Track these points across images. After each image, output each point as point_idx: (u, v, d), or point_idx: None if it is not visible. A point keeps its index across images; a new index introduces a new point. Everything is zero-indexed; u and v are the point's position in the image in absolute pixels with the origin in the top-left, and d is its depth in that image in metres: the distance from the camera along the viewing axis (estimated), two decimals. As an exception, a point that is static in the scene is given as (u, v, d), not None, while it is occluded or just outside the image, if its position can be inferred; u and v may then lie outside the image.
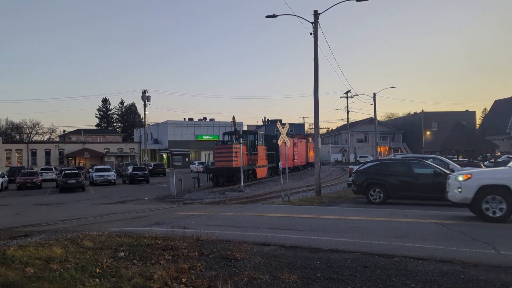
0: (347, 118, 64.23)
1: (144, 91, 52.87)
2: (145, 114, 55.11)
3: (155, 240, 7.80)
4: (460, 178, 10.30)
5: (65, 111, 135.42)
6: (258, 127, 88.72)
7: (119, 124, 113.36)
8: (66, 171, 33.86)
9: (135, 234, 8.70)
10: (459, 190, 10.22)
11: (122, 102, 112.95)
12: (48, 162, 62.94)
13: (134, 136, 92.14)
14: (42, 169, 47.23)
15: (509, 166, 11.39)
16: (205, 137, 76.78)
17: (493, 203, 9.72)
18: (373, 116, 50.73)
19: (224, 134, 33.91)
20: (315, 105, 19.65)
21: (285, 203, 16.72)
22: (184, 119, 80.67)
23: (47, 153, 65.26)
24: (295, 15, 20.08)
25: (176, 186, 24.58)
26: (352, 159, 67.39)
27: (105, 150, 69.21)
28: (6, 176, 39.01)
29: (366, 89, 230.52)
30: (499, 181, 9.91)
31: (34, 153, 64.30)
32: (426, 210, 12.35)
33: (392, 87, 62.39)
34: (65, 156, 66.07)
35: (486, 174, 10.93)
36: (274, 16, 19.43)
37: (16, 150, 63.82)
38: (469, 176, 10.26)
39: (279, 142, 18.55)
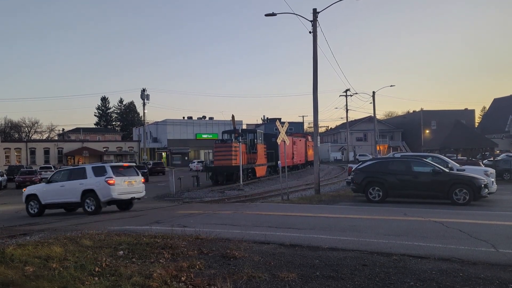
0: (346, 117, 64.21)
1: (143, 90, 52.80)
2: (144, 113, 55.06)
3: (154, 238, 7.79)
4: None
5: (64, 110, 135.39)
6: (257, 125, 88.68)
7: (118, 123, 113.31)
8: (65, 170, 33.76)
9: (135, 233, 8.70)
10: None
11: (121, 101, 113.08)
12: (47, 161, 62.89)
13: (133, 134, 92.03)
14: (41, 168, 47.09)
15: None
16: (204, 136, 76.73)
17: (32, 202, 14.71)
18: (373, 115, 50.73)
19: (223, 132, 33.95)
20: (315, 103, 19.65)
21: (285, 201, 16.75)
22: (183, 117, 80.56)
23: (46, 152, 65.19)
24: (294, 14, 20.04)
25: (175, 185, 24.54)
26: (351, 158, 67.36)
27: (104, 149, 69.16)
28: (5, 175, 39.04)
29: (366, 88, 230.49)
30: (32, 192, 14.77)
31: (33, 152, 64.20)
32: (425, 209, 12.36)
33: (391, 86, 62.15)
34: (64, 155, 66.02)
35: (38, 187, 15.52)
36: (273, 14, 19.40)
37: (15, 148, 63.75)
38: (24, 189, 15.20)
39: (279, 141, 18.53)
